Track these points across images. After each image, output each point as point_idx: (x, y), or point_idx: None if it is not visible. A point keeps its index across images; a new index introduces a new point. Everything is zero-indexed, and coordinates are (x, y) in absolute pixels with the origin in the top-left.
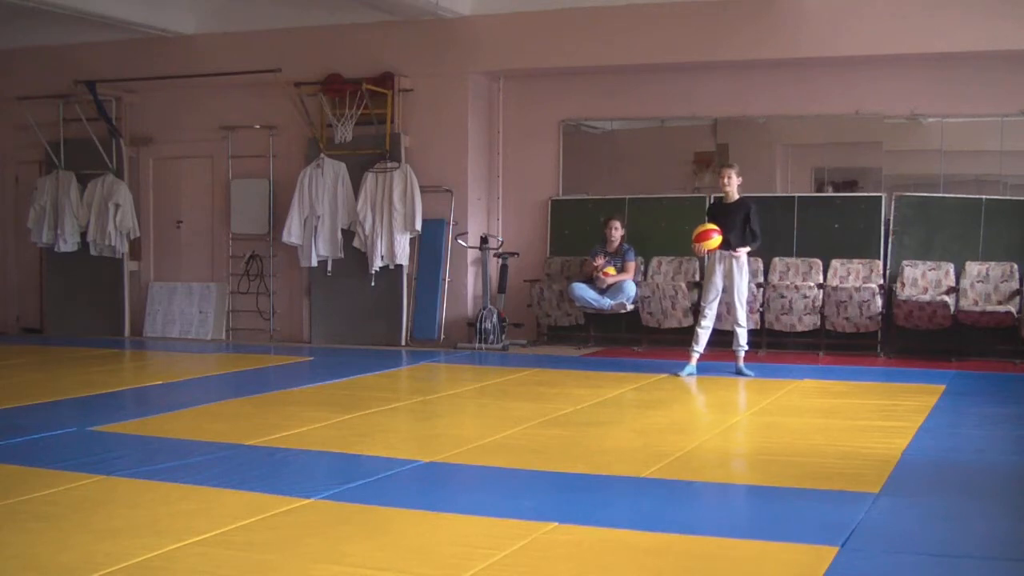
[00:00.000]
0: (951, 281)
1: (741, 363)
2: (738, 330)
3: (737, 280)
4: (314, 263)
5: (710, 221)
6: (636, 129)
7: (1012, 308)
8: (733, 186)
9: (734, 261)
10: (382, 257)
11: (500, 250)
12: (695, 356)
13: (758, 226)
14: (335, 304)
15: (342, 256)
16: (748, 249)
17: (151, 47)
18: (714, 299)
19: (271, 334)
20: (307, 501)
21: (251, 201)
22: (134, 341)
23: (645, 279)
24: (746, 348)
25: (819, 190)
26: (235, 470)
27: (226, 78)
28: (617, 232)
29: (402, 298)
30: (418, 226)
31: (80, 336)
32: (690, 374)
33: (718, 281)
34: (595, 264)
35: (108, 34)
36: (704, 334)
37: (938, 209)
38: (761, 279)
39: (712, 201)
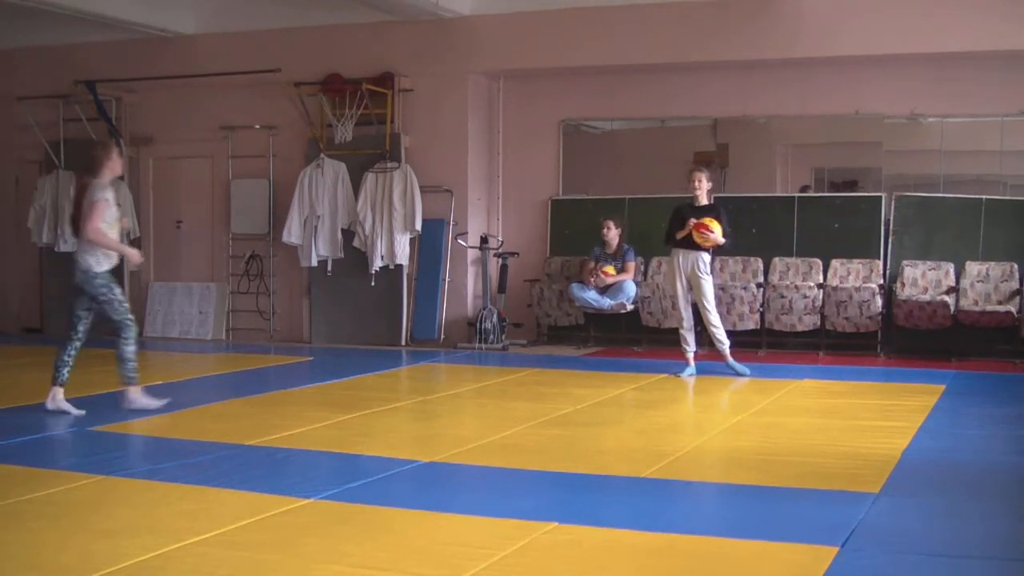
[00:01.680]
0: (951, 281)
1: (729, 359)
2: (713, 331)
3: (702, 281)
4: (314, 263)
5: (677, 221)
6: (636, 129)
7: (1012, 308)
8: (703, 190)
9: (698, 262)
10: (382, 257)
11: (500, 250)
12: (690, 355)
13: (728, 230)
14: (335, 304)
15: (342, 256)
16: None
17: (151, 47)
18: (684, 299)
19: (271, 334)
20: (307, 501)
21: (251, 201)
22: None
23: (645, 279)
24: (727, 343)
25: (802, 190)
26: (235, 470)
27: (226, 78)
28: (611, 232)
29: (402, 298)
30: (418, 226)
31: None
32: (690, 375)
33: (684, 280)
34: (591, 272)
35: (108, 34)
36: (689, 335)
37: (938, 209)
38: (761, 279)
39: (687, 202)
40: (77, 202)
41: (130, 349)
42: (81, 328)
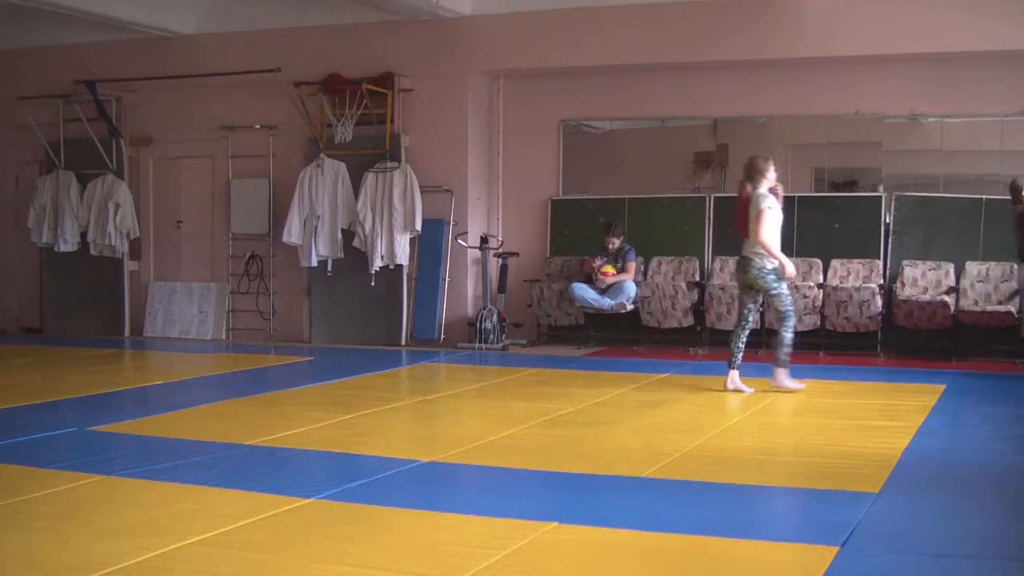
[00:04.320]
0: (951, 281)
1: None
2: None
3: None
4: (314, 263)
5: None
6: (636, 129)
7: (1012, 308)
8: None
9: None
10: (382, 257)
11: (500, 250)
12: None
13: None
14: (335, 304)
15: (342, 256)
16: None
17: (151, 47)
18: None
19: (271, 334)
20: (307, 501)
21: (251, 201)
22: (134, 341)
23: (645, 279)
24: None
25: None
26: (235, 470)
27: (226, 78)
28: (614, 246)
29: (402, 298)
30: (418, 226)
31: (80, 336)
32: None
33: None
34: (593, 266)
35: (108, 34)
36: None
37: (938, 209)
38: None
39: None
40: (741, 208)
41: (789, 336)
42: (750, 318)
